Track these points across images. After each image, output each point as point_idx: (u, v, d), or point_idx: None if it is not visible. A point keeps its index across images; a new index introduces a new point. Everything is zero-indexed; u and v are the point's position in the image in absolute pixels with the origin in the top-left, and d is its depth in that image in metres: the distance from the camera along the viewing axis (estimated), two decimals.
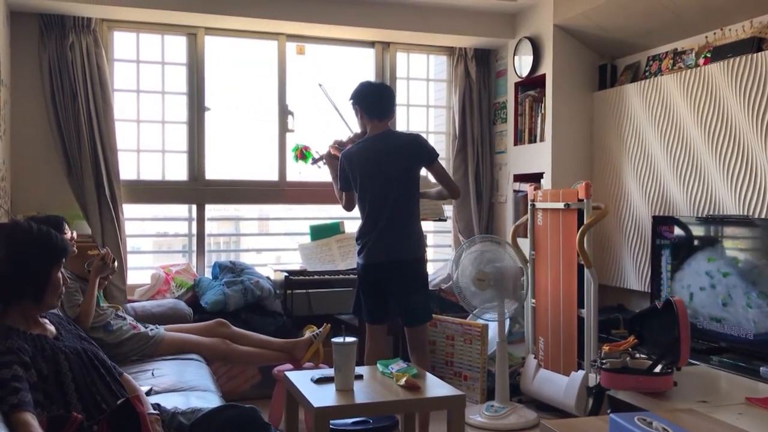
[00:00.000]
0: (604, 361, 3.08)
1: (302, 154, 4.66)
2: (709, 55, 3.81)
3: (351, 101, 3.54)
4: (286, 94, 4.83)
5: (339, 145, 3.70)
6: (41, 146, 4.26)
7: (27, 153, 4.25)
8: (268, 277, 4.55)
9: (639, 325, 3.25)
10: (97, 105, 4.23)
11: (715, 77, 3.66)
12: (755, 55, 3.44)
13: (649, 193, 4.13)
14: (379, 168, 3.41)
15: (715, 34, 3.85)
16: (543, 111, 4.64)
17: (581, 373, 3.74)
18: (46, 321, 2.22)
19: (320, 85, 4.21)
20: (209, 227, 4.81)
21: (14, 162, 4.20)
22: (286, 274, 4.52)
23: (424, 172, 3.66)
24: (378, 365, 2.93)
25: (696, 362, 3.29)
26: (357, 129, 3.67)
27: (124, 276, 4.29)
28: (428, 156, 3.46)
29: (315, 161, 3.95)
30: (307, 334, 3.73)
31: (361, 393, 2.62)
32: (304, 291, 4.67)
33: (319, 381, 2.72)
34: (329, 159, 3.76)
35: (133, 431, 2.00)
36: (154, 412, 2.20)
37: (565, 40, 4.52)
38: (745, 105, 3.49)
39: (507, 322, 4.22)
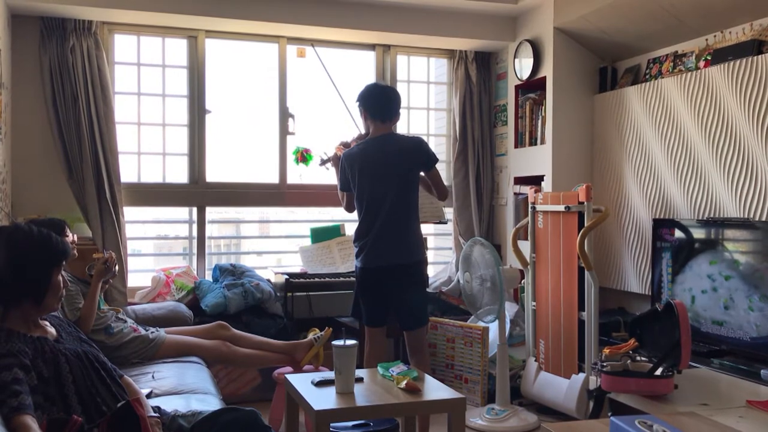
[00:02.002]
0: (604, 364, 3.08)
1: (303, 156, 4.67)
2: (709, 57, 3.81)
3: (357, 102, 3.55)
4: (286, 97, 4.83)
5: (344, 146, 3.71)
6: (42, 149, 4.26)
7: (28, 156, 4.25)
8: (268, 280, 4.55)
9: (640, 327, 3.25)
10: (97, 108, 4.23)
11: (715, 80, 3.66)
12: (755, 57, 3.44)
13: (650, 196, 4.13)
14: (378, 169, 3.41)
15: (715, 36, 3.85)
16: (543, 114, 4.64)
17: (582, 376, 3.74)
18: (47, 323, 2.22)
19: (312, 45, 4.05)
20: (210, 230, 4.81)
21: (15, 165, 4.20)
22: (287, 276, 4.51)
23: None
24: (378, 368, 2.93)
25: (697, 365, 3.29)
26: (354, 123, 3.65)
27: (125, 279, 4.29)
28: (428, 161, 3.46)
29: (323, 162, 3.95)
30: (310, 336, 3.73)
31: (362, 396, 2.62)
32: (305, 293, 4.67)
33: (320, 384, 2.72)
34: (335, 160, 3.76)
35: None
36: (155, 414, 2.20)
37: (566, 43, 4.52)
38: (745, 107, 3.49)
39: (507, 325, 4.22)
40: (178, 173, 4.67)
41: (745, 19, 3.64)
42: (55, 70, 4.18)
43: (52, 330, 2.21)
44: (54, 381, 2.05)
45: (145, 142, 4.60)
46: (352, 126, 4.15)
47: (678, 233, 3.76)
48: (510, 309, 4.51)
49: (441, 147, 5.30)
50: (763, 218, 3.40)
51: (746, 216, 3.49)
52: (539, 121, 4.69)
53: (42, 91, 4.22)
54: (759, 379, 3.03)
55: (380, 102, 3.48)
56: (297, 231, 5.17)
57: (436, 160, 3.48)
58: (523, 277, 4.27)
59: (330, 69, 4.17)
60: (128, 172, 4.49)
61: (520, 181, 4.85)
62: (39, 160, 4.27)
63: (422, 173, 3.52)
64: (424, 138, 3.74)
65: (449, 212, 5.07)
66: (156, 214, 4.88)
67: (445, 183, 4.50)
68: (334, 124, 4.82)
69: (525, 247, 4.24)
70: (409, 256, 3.42)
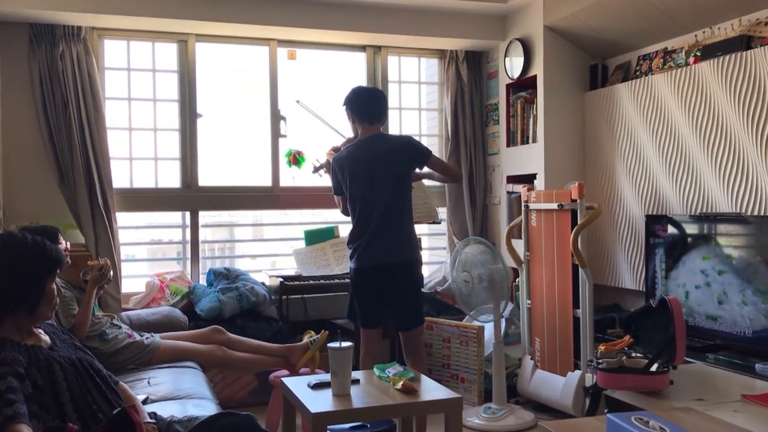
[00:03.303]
0: (600, 360, 3.08)
1: (295, 159, 4.66)
2: (698, 53, 3.82)
3: (344, 106, 3.55)
4: (278, 100, 4.82)
5: (335, 150, 3.70)
6: (33, 156, 4.24)
7: (19, 163, 4.23)
8: (263, 283, 4.54)
9: (634, 324, 3.25)
10: (88, 113, 4.22)
11: (705, 75, 3.67)
12: (744, 53, 3.46)
13: (642, 192, 4.14)
14: (369, 171, 3.41)
15: (704, 32, 3.86)
16: (535, 112, 4.64)
17: (578, 373, 3.74)
18: (41, 331, 2.21)
19: (298, 101, 4.18)
20: (203, 234, 4.80)
21: (6, 172, 4.18)
22: (281, 279, 4.51)
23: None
24: (375, 369, 2.93)
25: (692, 360, 3.30)
26: (347, 133, 3.66)
27: (119, 284, 4.27)
28: (422, 156, 3.47)
29: (316, 170, 3.95)
30: (305, 339, 3.73)
31: (358, 398, 2.62)
32: (300, 296, 4.66)
33: (316, 386, 2.72)
34: (328, 166, 3.75)
35: None
36: (151, 421, 2.19)
37: (556, 41, 4.53)
38: (735, 102, 3.50)
39: (503, 324, 4.22)
40: (171, 178, 4.66)
41: (734, 15, 3.65)
42: (45, 77, 4.17)
43: (46, 338, 2.20)
44: (49, 389, 2.04)
45: (136, 147, 4.59)
46: (345, 132, 4.15)
47: (671, 229, 3.77)
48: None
49: (433, 147, 5.29)
50: (755, 213, 3.41)
51: (738, 211, 3.50)
52: (531, 120, 4.70)
53: (32, 98, 4.20)
54: (754, 373, 3.04)
55: (368, 104, 3.48)
56: (291, 233, 5.16)
57: (429, 152, 3.49)
58: (517, 276, 4.28)
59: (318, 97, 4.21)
60: (120, 177, 4.48)
61: (512, 179, 4.85)
62: (30, 166, 4.25)
63: (426, 168, 3.54)
64: (416, 138, 3.74)
65: (443, 212, 5.07)
66: (149, 219, 4.87)
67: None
68: (325, 128, 4.81)
69: (519, 245, 4.25)
70: (402, 255, 3.42)
